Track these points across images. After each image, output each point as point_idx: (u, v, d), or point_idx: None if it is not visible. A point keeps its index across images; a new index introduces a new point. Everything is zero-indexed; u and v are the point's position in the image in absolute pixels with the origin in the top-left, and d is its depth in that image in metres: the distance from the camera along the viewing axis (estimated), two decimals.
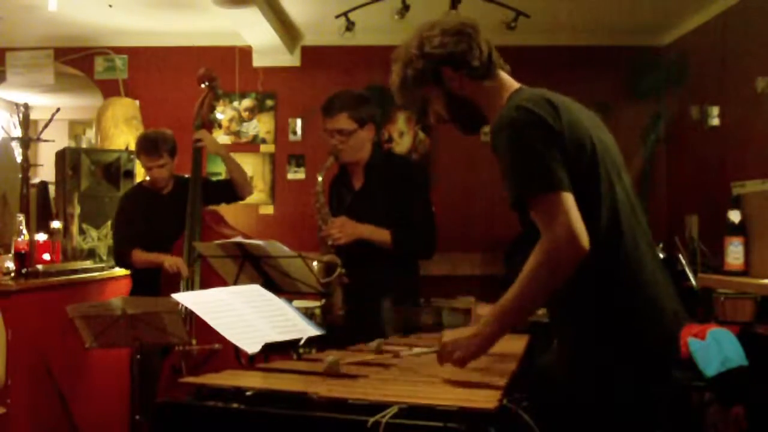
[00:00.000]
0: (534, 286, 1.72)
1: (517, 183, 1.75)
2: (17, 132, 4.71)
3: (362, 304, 2.97)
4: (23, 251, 3.73)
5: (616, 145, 1.93)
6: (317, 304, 3.26)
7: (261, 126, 5.92)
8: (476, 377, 1.80)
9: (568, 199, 1.69)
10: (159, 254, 3.63)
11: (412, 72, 1.92)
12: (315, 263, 2.82)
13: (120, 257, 3.85)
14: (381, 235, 3.01)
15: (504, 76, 1.96)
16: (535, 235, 1.74)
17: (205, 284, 3.44)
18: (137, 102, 5.67)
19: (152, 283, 3.58)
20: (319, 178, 3.09)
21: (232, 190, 3.86)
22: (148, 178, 3.90)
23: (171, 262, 3.55)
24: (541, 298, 1.76)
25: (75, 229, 4.53)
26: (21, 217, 3.82)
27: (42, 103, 7.64)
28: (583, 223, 1.67)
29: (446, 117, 1.97)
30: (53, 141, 5.20)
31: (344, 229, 3.01)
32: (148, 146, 3.74)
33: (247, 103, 5.91)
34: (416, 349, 2.02)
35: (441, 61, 1.89)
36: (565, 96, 1.89)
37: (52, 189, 5.10)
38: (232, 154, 3.96)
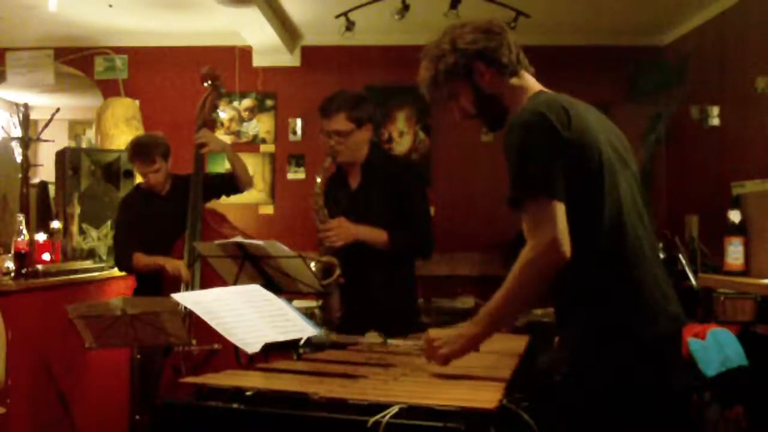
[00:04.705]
0: (517, 290, 1.79)
1: (515, 184, 1.79)
2: (17, 132, 4.71)
3: (360, 305, 2.97)
4: (23, 251, 3.72)
5: (626, 142, 1.97)
6: (317, 304, 3.26)
7: (261, 126, 5.92)
8: (476, 377, 1.81)
9: (558, 208, 1.73)
10: (159, 257, 3.62)
11: (444, 67, 1.95)
12: (312, 264, 2.81)
13: (121, 262, 3.84)
14: (378, 236, 3.00)
15: (528, 77, 1.99)
16: None
17: (205, 284, 3.43)
18: (137, 102, 5.67)
19: (155, 283, 3.58)
20: (318, 180, 3.09)
21: (232, 182, 3.86)
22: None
23: (172, 266, 3.54)
24: (524, 301, 1.83)
25: (75, 229, 4.52)
26: (21, 217, 3.82)
27: (42, 103, 7.63)
28: (567, 233, 1.72)
29: (472, 112, 2.00)
30: (53, 141, 5.21)
31: (341, 230, 2.99)
32: (141, 153, 3.74)
33: (247, 103, 5.91)
34: (402, 341, 2.09)
35: (473, 56, 1.93)
36: (578, 100, 1.92)
37: (52, 189, 5.10)
38: None
